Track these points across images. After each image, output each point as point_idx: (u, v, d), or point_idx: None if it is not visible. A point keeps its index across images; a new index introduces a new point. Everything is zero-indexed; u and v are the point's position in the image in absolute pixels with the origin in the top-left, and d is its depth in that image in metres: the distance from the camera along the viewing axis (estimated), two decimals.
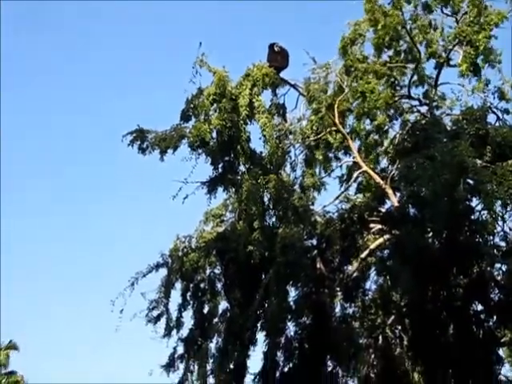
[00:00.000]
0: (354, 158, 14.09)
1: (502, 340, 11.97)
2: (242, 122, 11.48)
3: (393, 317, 12.84)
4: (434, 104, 14.88)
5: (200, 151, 11.72)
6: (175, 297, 12.50)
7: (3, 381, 39.29)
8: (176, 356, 12.07)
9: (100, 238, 49.39)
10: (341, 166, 15.18)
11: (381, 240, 12.32)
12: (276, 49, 12.84)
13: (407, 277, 11.13)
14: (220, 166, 12.00)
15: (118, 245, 47.59)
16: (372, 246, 12.42)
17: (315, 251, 12.35)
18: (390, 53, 15.06)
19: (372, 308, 13.12)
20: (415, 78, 14.89)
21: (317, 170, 14.76)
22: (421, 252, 10.72)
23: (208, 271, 12.80)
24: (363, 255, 12.36)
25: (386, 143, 15.30)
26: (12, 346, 40.04)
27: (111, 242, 50.10)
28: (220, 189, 12.37)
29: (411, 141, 13.21)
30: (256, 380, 11.99)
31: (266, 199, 11.79)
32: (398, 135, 14.78)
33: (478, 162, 10.85)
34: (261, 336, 12.06)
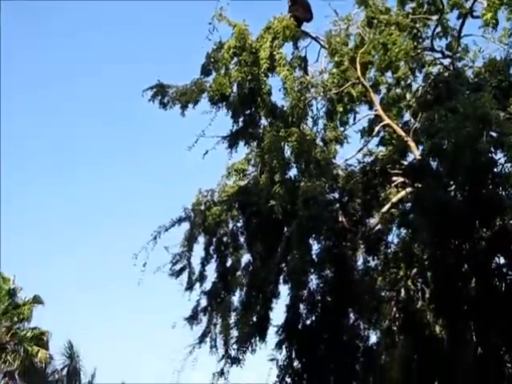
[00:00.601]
0: (376, 111, 13.91)
1: None
2: (262, 75, 11.41)
3: (415, 270, 12.84)
4: (457, 56, 14.61)
5: (220, 105, 11.71)
6: (198, 250, 12.61)
7: (28, 334, 40.11)
8: (199, 309, 12.20)
9: (124, 192, 50.03)
10: (363, 119, 15.03)
11: (403, 193, 12.28)
12: (298, 1, 12.67)
13: (429, 230, 11.11)
14: (241, 119, 11.99)
15: (142, 200, 48.12)
16: (394, 200, 12.37)
17: (337, 204, 12.35)
18: (413, 4, 14.77)
19: (394, 261, 13.14)
20: (438, 29, 14.58)
21: (338, 124, 14.60)
22: (442, 205, 10.66)
23: (230, 225, 12.86)
24: (385, 208, 12.32)
25: (408, 96, 15.09)
26: (36, 301, 40.72)
27: (135, 196, 50.71)
28: (241, 143, 12.38)
29: (434, 93, 13.07)
30: (279, 332, 12.11)
31: (287, 153, 11.75)
32: (420, 88, 14.57)
33: (501, 114, 10.71)
34: (283, 289, 12.18)
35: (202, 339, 11.94)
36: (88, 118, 52.96)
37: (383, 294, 12.94)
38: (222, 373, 11.86)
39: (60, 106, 52.42)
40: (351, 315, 12.32)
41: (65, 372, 37.91)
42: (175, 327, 12.03)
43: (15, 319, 40.70)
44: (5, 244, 39.09)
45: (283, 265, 11.95)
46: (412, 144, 12.65)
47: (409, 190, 12.12)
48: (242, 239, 12.80)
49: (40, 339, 40.63)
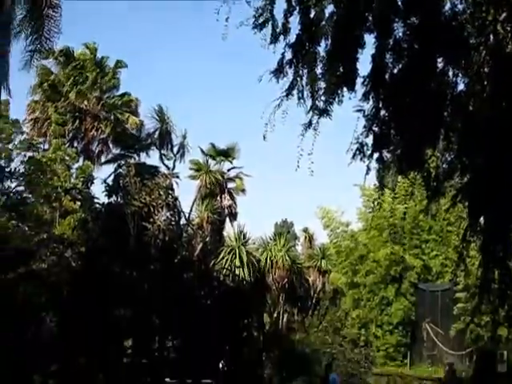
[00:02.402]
0: None
1: None
2: None
3: (504, 14, 12.30)
4: None
5: None
6: (280, 2, 12.30)
7: (117, 102, 41.48)
8: (284, 62, 12.15)
9: None
10: None
11: None
12: None
13: None
14: None
15: None
16: None
17: None
18: None
19: (483, 5, 12.57)
20: None
21: None
22: None
23: None
24: None
25: None
26: (120, 65, 41.41)
27: None
28: None
29: None
30: (365, 83, 12.11)
31: None
32: None
33: None
34: (369, 38, 11.95)
35: (289, 92, 12.00)
36: None
37: (472, 40, 12.57)
38: (310, 124, 12.09)
39: None
40: (439, 62, 12.11)
41: (156, 135, 39.48)
42: (261, 81, 12.11)
43: (104, 88, 42.00)
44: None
45: (368, 13, 11.63)
46: None
47: None
48: None
49: (129, 106, 42.17)
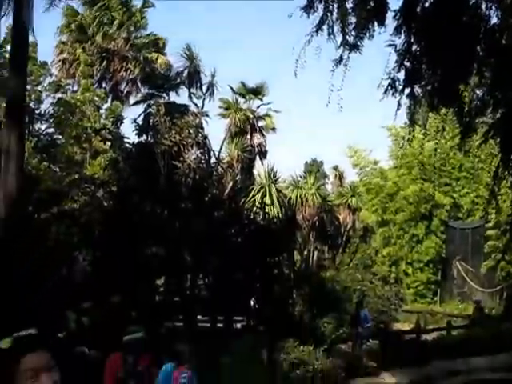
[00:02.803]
0: None
1: None
2: None
3: None
4: None
5: None
6: None
7: (145, 41, 41.11)
8: None
9: None
10: None
11: None
12: None
13: None
14: None
15: None
16: None
17: None
18: None
19: None
20: None
21: None
22: None
23: None
24: None
25: None
26: (147, 5, 40.93)
27: None
28: None
29: None
30: (397, 17, 11.87)
31: None
32: None
33: None
34: None
35: (319, 27, 11.79)
36: None
37: None
38: (340, 60, 11.90)
39: None
40: None
41: (185, 74, 39.24)
42: (292, 17, 11.90)
43: (131, 29, 41.65)
44: None
45: None
46: None
47: None
48: None
49: (157, 46, 41.84)
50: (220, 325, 24.11)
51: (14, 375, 2.59)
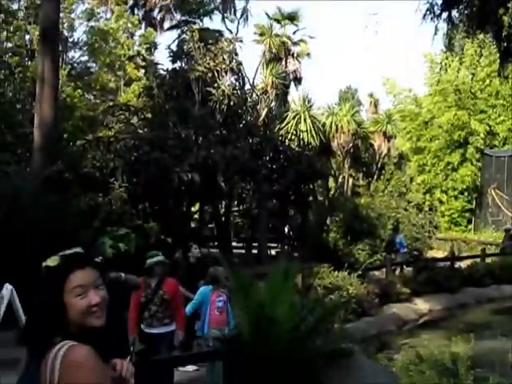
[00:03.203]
0: None
1: None
2: None
3: None
4: None
5: None
6: None
7: None
8: None
9: None
10: None
11: None
12: None
13: None
14: None
15: None
16: None
17: None
18: None
19: None
20: None
21: None
22: None
23: None
24: None
25: None
26: None
27: None
28: None
29: None
30: None
31: None
32: None
33: None
34: None
35: None
36: None
37: None
38: None
39: None
40: None
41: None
42: None
43: None
44: None
45: None
46: None
47: None
48: None
49: None
50: (255, 251, 24.41)
51: (63, 292, 2.63)
